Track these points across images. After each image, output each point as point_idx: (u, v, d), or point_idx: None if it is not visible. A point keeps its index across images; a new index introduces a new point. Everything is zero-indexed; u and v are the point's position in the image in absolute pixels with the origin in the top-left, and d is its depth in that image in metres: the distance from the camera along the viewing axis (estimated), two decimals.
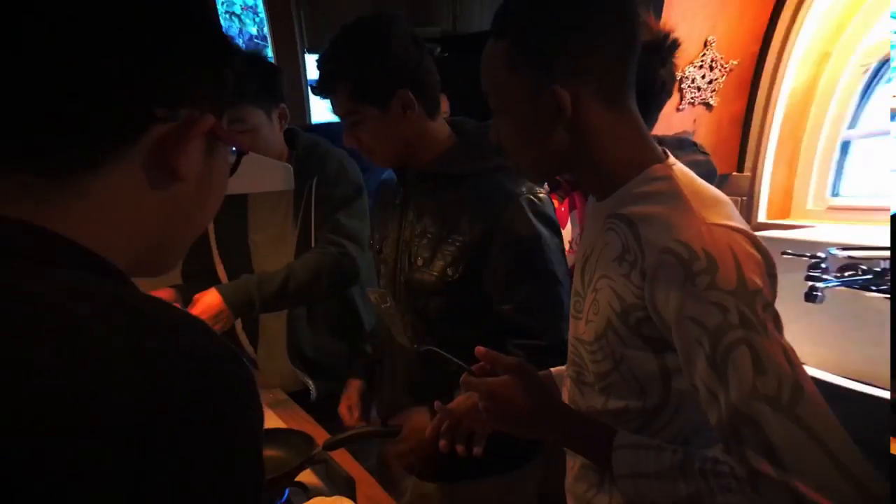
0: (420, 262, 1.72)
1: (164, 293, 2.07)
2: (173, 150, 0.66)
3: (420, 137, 1.70)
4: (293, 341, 2.17)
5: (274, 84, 2.05)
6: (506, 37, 1.13)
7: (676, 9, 2.23)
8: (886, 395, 1.59)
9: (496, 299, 1.65)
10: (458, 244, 1.66)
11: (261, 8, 3.07)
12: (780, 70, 2.30)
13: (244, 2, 3.12)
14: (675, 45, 1.61)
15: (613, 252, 1.13)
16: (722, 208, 1.07)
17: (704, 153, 1.90)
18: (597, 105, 1.12)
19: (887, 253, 1.88)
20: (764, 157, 2.41)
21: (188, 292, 2.03)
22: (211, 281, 2.16)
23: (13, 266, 0.57)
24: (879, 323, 1.92)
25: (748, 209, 2.47)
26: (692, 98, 2.40)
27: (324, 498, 1.37)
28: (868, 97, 2.26)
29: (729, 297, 0.96)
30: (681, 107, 2.40)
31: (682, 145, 1.89)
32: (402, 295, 1.78)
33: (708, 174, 1.58)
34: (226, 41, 0.71)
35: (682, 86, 2.36)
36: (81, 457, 0.49)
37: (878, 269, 1.90)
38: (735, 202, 2.39)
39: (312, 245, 2.08)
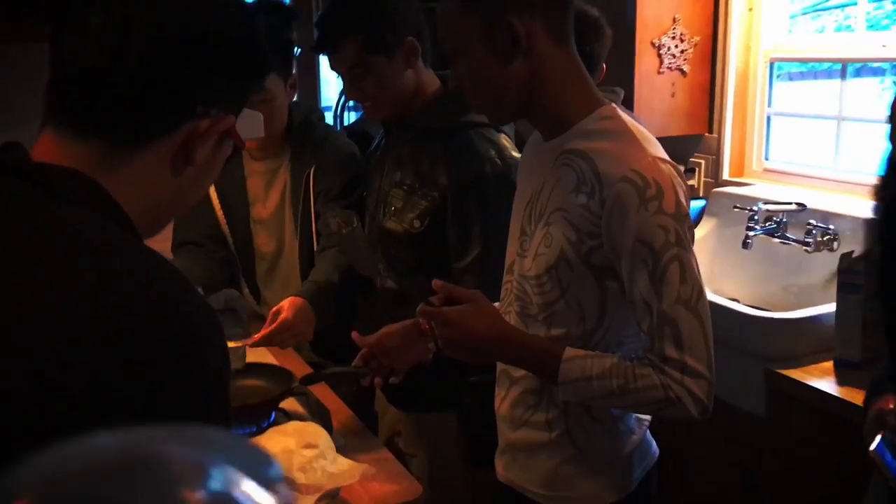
0: (392, 211, 1.79)
1: None
2: (197, 141, 0.81)
3: (416, 87, 1.77)
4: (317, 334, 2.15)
5: (291, 54, 2.08)
6: None
7: None
8: (767, 314, 2.02)
9: (452, 257, 1.72)
10: (428, 198, 1.73)
11: None
12: (727, 52, 2.71)
13: None
14: (602, 26, 1.94)
15: (568, 185, 1.24)
16: (657, 145, 1.25)
17: None
18: (547, 40, 1.23)
19: (787, 206, 2.31)
20: (725, 123, 2.80)
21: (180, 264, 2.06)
22: (211, 250, 2.22)
23: (66, 207, 0.73)
24: (775, 263, 2.39)
25: (716, 166, 2.86)
26: (669, 64, 2.78)
27: (298, 422, 1.51)
28: (772, 85, 2.74)
29: (670, 219, 1.16)
30: (661, 70, 2.76)
31: None
32: (377, 243, 1.85)
33: None
34: (262, 64, 0.87)
35: (661, 52, 2.74)
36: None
37: (779, 220, 2.33)
38: (706, 160, 2.83)
39: (313, 228, 2.09)
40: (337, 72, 1.84)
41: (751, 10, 2.70)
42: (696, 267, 1.20)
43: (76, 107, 0.78)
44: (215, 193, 2.21)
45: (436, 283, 1.34)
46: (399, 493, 1.39)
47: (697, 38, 2.76)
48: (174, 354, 0.66)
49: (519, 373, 1.38)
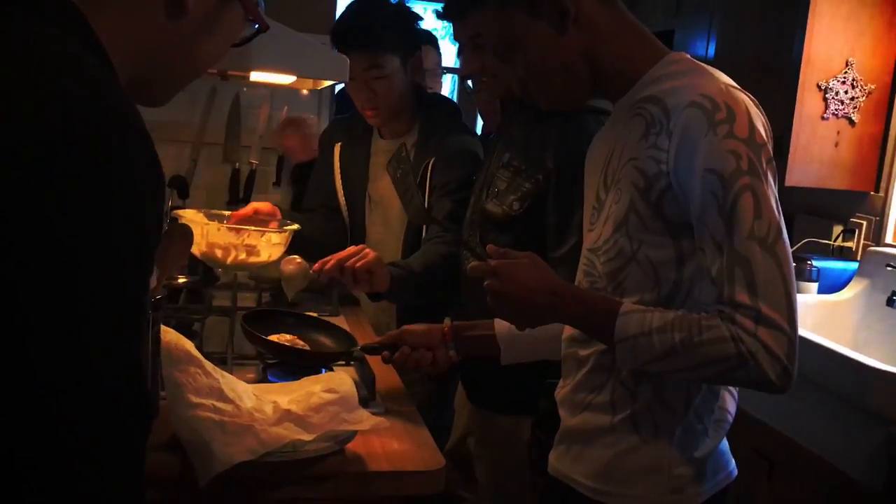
0: (495, 192, 1.73)
1: (266, 206, 2.05)
2: None
3: None
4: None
5: (410, 33, 2.12)
6: None
7: (819, 25, 2.43)
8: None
9: (548, 245, 1.64)
10: (532, 180, 1.66)
11: None
12: None
13: None
14: None
15: (638, 133, 1.16)
16: (733, 82, 1.16)
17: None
18: (593, 2, 1.22)
19: None
20: (895, 182, 2.53)
21: (302, 222, 2.05)
22: (330, 219, 2.26)
23: (49, 27, 0.68)
24: None
25: (878, 229, 2.58)
26: (836, 110, 2.55)
27: (332, 372, 1.50)
28: None
29: (742, 144, 1.06)
30: (825, 116, 2.55)
31: None
32: (476, 225, 1.79)
33: None
34: None
35: (827, 96, 2.53)
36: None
37: None
38: (868, 221, 2.56)
39: (423, 217, 2.09)
40: (458, 41, 1.81)
41: None
42: (774, 204, 1.07)
43: None
44: (338, 165, 2.26)
45: (490, 247, 1.27)
46: (416, 460, 1.28)
47: (873, 87, 2.52)
48: (82, 153, 0.60)
49: (587, 350, 1.24)
